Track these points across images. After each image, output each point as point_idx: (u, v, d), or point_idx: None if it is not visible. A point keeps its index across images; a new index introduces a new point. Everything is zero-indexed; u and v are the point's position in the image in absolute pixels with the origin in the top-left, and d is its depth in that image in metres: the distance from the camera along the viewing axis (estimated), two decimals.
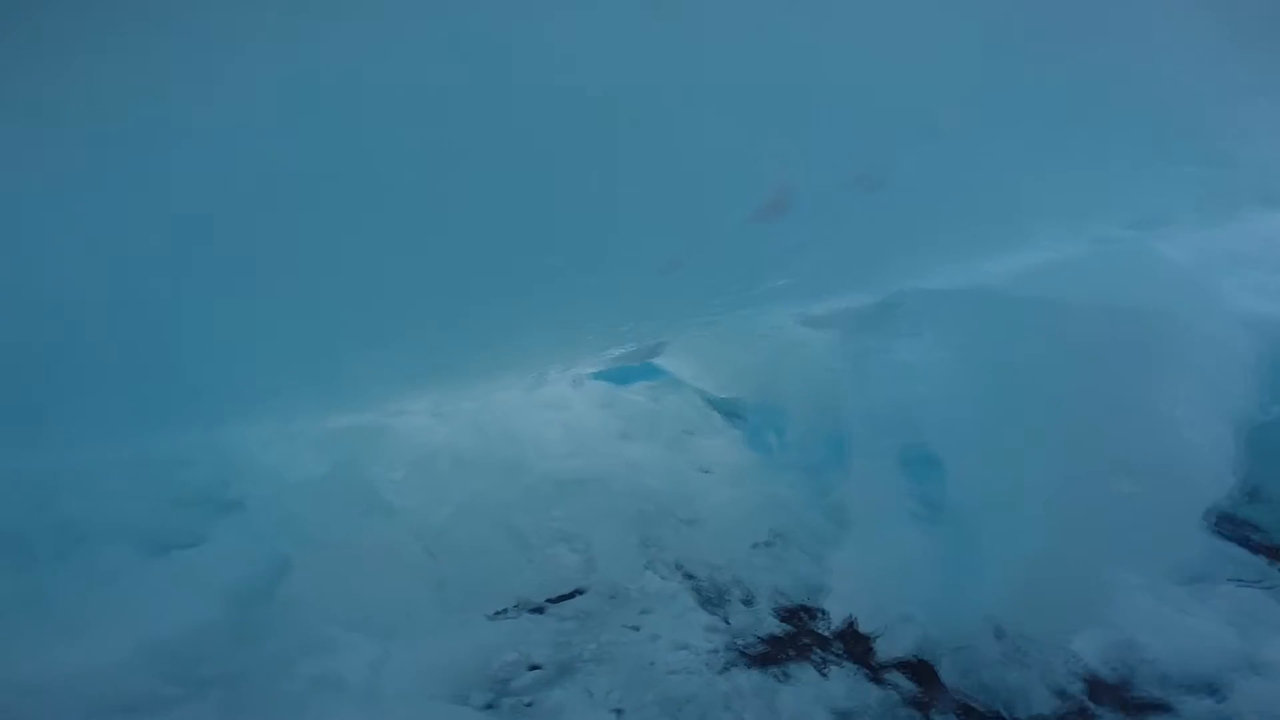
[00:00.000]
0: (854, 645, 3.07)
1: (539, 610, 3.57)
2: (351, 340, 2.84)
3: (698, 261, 2.34)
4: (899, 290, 2.87)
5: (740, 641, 3.19)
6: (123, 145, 1.74)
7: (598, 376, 5.83)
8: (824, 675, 2.90)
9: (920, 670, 2.88)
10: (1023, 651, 2.64)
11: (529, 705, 2.80)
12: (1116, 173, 2.28)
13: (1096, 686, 2.80)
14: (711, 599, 3.57)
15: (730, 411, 5.90)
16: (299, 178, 1.94)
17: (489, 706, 2.78)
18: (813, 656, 3.04)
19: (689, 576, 3.76)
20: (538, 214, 2.05)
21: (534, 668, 3.05)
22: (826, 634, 3.17)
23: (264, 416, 4.64)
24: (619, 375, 5.86)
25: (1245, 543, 4.18)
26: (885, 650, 2.94)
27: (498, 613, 3.55)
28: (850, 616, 3.00)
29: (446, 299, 2.65)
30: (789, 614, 3.38)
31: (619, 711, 2.73)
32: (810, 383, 3.70)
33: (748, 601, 3.51)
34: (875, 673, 2.90)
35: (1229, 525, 4.54)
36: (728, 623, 3.33)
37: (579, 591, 3.70)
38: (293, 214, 2.02)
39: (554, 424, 5.31)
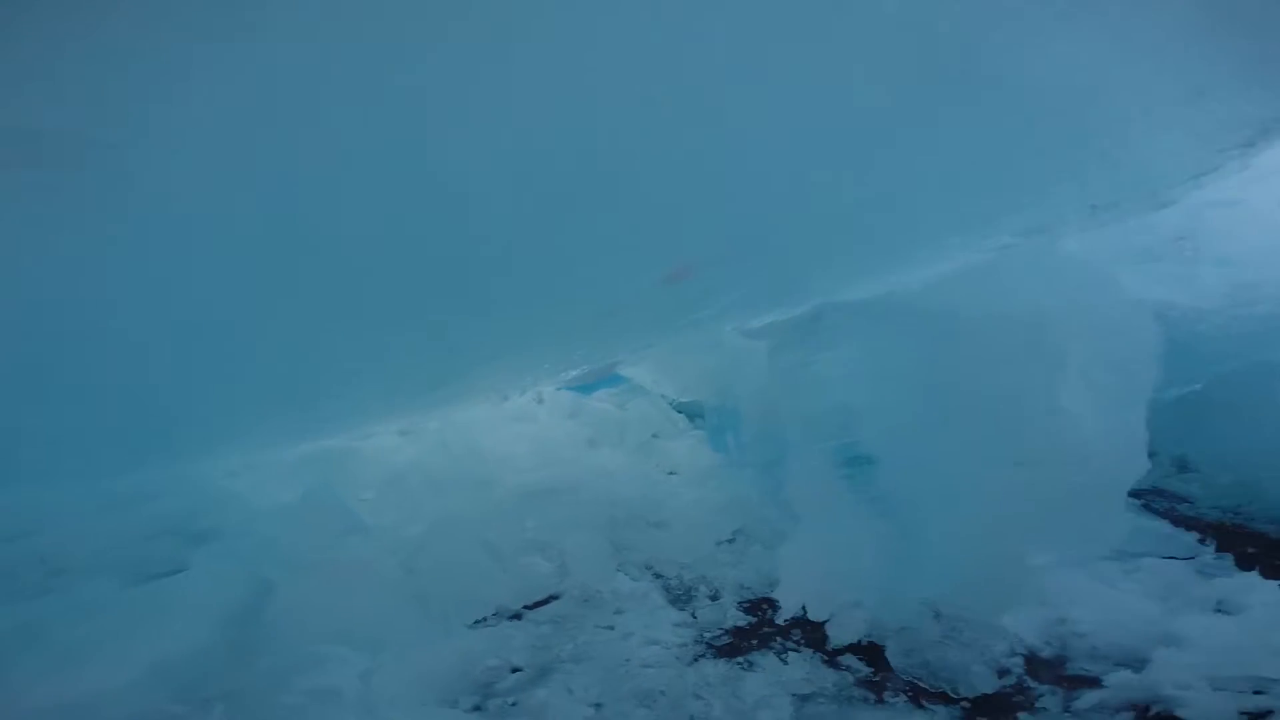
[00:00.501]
0: (811, 632, 3.37)
1: (517, 617, 3.82)
2: (316, 369, 2.92)
3: (642, 296, 2.60)
4: (823, 303, 3.17)
5: (708, 635, 3.48)
6: (86, 180, 1.72)
7: (562, 387, 6.07)
8: (784, 662, 3.20)
9: (871, 653, 3.19)
10: (959, 631, 2.95)
11: (514, 705, 3.05)
12: (1013, 181, 2.56)
13: (1034, 662, 3.09)
14: (680, 596, 3.87)
15: (693, 413, 6.20)
16: (264, 209, 1.96)
17: (476, 708, 3.03)
18: (773, 645, 3.34)
19: (658, 576, 4.05)
20: (492, 249, 2.26)
21: (516, 670, 3.31)
22: (785, 623, 3.48)
23: (231, 447, 4.76)
24: (583, 385, 6.11)
25: (1174, 517, 4.58)
26: (838, 635, 3.24)
27: (477, 621, 3.79)
28: (803, 605, 3.32)
29: (407, 328, 2.71)
30: (751, 606, 3.69)
31: (598, 705, 2.99)
32: (757, 387, 3.99)
33: (714, 597, 3.81)
34: (831, 657, 3.20)
35: (1160, 499, 4.96)
36: (695, 617, 3.63)
37: (554, 597, 3.96)
38: (258, 245, 2.05)
39: (521, 437, 5.56)
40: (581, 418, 5.94)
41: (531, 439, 5.50)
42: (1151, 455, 5.64)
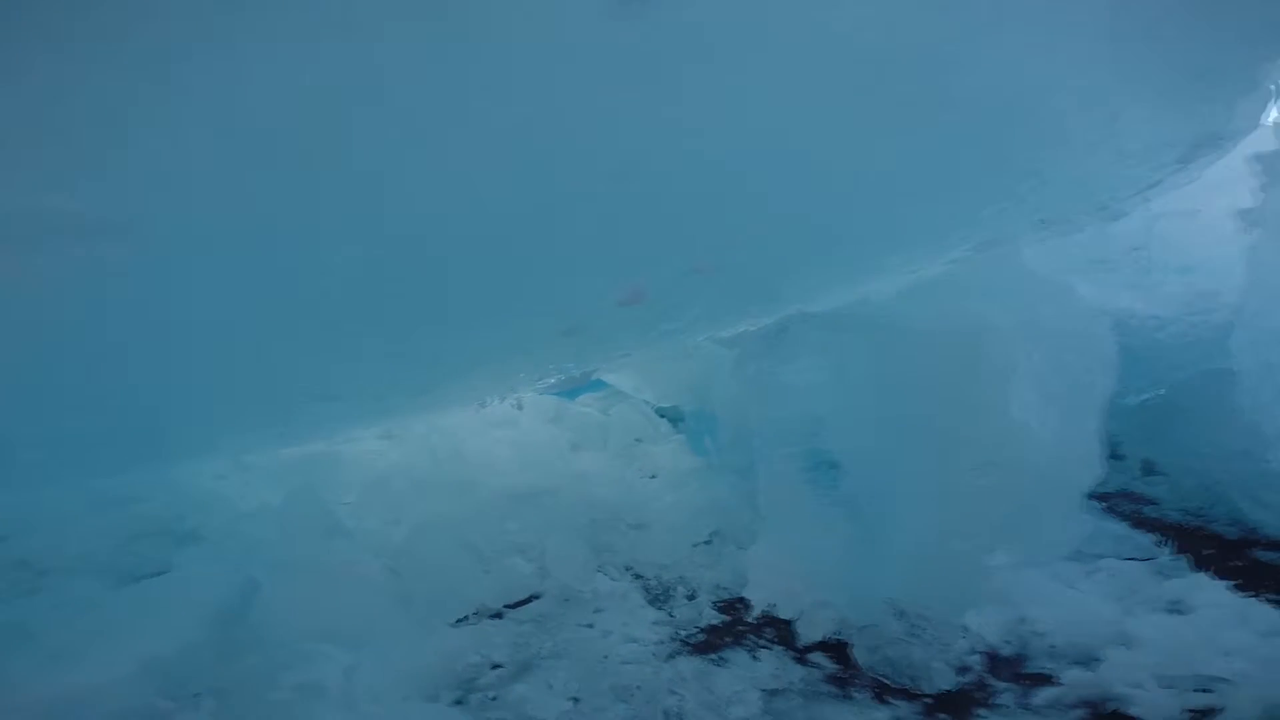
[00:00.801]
0: (781, 630, 3.53)
1: (498, 616, 3.96)
2: (300, 376, 3.03)
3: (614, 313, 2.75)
4: (788, 314, 3.35)
5: (683, 632, 3.63)
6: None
7: (545, 392, 6.19)
8: (755, 658, 3.35)
9: (838, 650, 3.35)
10: (921, 629, 3.10)
11: (494, 699, 3.19)
12: (969, 196, 2.72)
13: (994, 660, 3.26)
14: (658, 596, 4.02)
15: (675, 418, 6.36)
16: (250, 220, 2.03)
17: (458, 703, 3.17)
18: (745, 642, 3.49)
19: (638, 577, 4.20)
20: (468, 265, 2.39)
21: (496, 666, 3.44)
22: (757, 621, 3.64)
23: (216, 451, 4.85)
24: (566, 390, 6.24)
25: (1135, 519, 4.78)
26: (806, 633, 3.41)
27: (459, 620, 3.92)
28: (773, 604, 3.48)
29: (389, 338, 2.79)
30: (726, 605, 3.84)
31: (576, 700, 3.13)
32: (732, 394, 4.16)
33: (690, 596, 3.95)
34: (800, 654, 3.36)
35: (1126, 502, 5.16)
36: (672, 616, 3.78)
37: (535, 597, 4.10)
38: (245, 257, 2.14)
39: (503, 441, 5.67)
40: (564, 422, 6.07)
41: (514, 443, 5.62)
42: (1120, 459, 5.93)
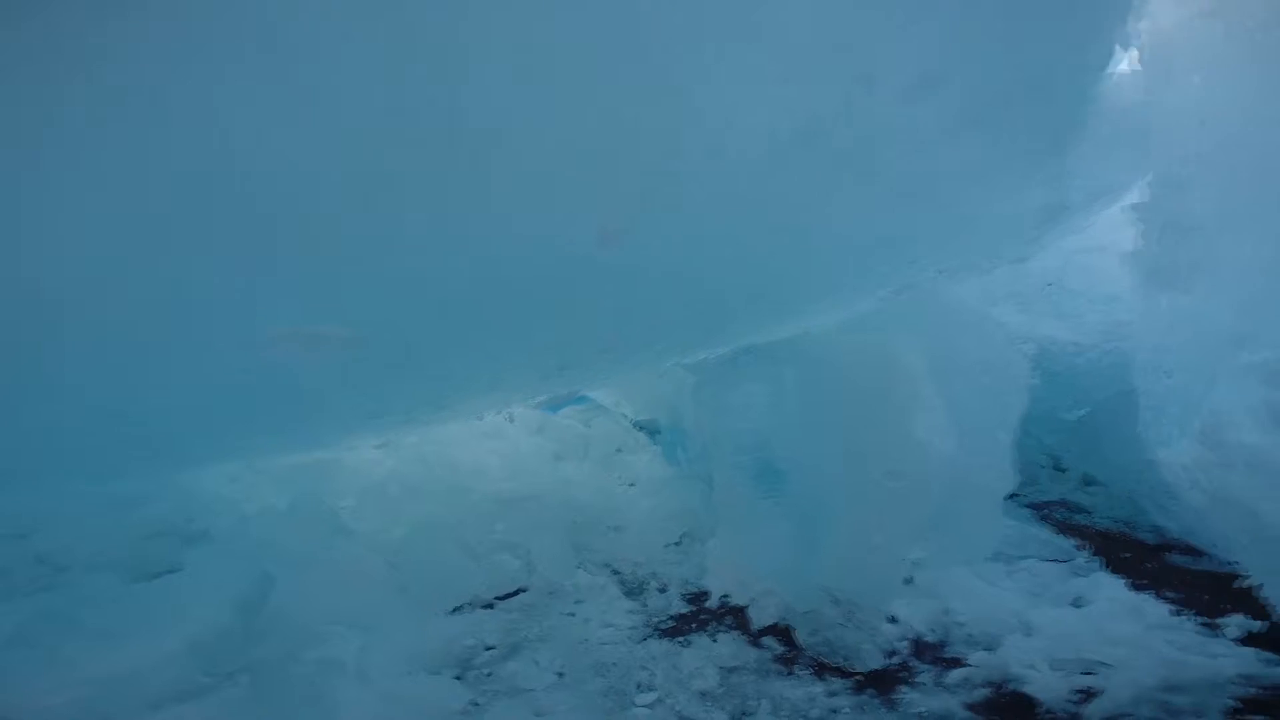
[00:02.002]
0: (738, 618, 4.16)
1: (489, 606, 4.54)
2: (302, 390, 3.16)
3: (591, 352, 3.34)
4: (740, 346, 4.01)
5: (655, 619, 4.25)
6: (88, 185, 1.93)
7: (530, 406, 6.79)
8: (715, 641, 3.97)
9: (785, 634, 3.96)
10: (851, 615, 3.74)
11: (489, 675, 3.78)
12: (889, 243, 3.32)
13: (919, 645, 3.88)
14: (633, 589, 4.63)
15: (651, 430, 6.99)
16: (263, 239, 2.22)
17: (457, 678, 3.75)
18: (707, 628, 4.12)
19: (615, 573, 4.82)
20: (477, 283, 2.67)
21: (489, 648, 4.03)
22: (718, 610, 4.28)
23: (221, 459, 5.32)
24: (549, 404, 6.85)
25: (1063, 526, 5.44)
26: (758, 619, 4.04)
27: (455, 609, 4.50)
28: (727, 592, 4.14)
29: (390, 358, 3.01)
30: (693, 597, 4.47)
31: (560, 674, 3.73)
32: (694, 411, 4.79)
33: (662, 589, 4.57)
34: (754, 638, 3.98)
35: (1062, 510, 5.83)
36: (645, 606, 4.39)
37: (522, 590, 4.69)
38: (251, 280, 2.33)
39: (492, 451, 6.22)
40: (548, 433, 6.68)
41: (502, 453, 6.20)
42: (1062, 471, 6.62)
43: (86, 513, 4.83)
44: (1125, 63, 3.65)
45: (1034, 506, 5.88)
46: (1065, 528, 5.40)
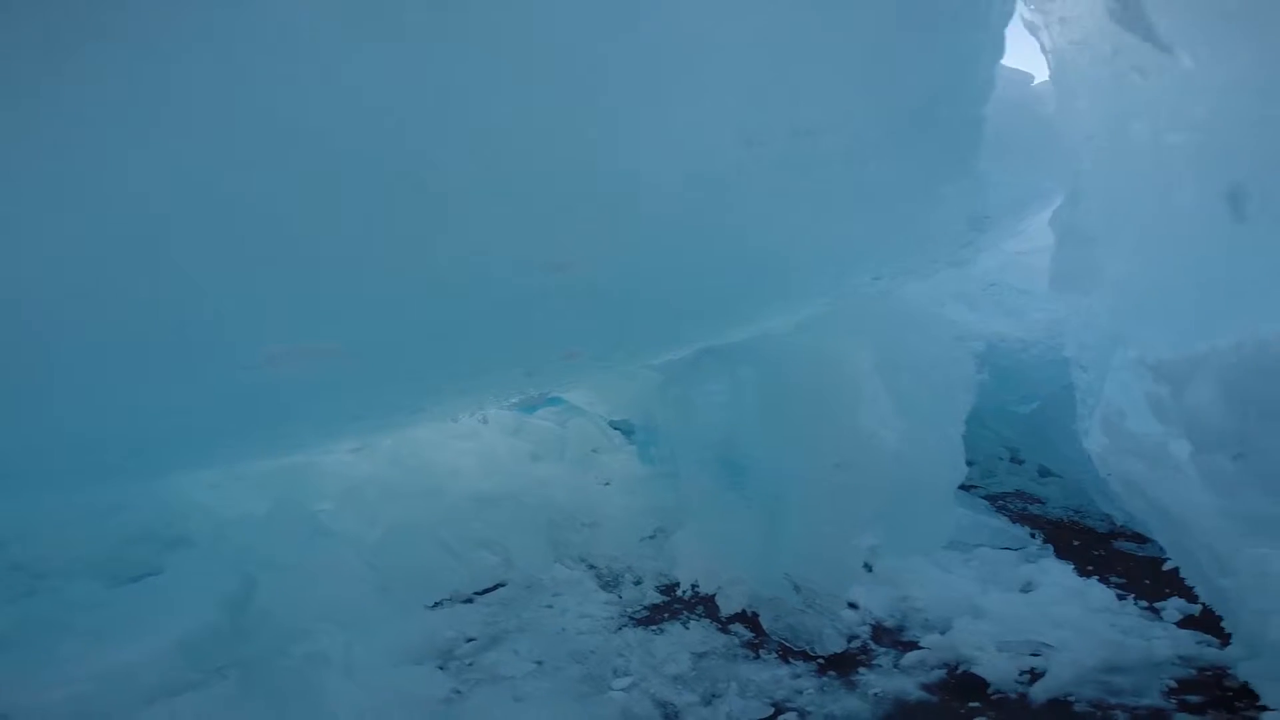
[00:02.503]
0: (709, 607, 4.42)
1: (469, 601, 4.75)
2: (283, 400, 3.30)
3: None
4: (701, 348, 4.29)
5: (630, 610, 4.49)
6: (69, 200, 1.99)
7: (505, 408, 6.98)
8: (686, 628, 4.22)
9: (752, 621, 4.23)
10: (813, 602, 4.01)
11: (470, 665, 3.99)
12: (838, 249, 3.59)
13: (878, 630, 4.17)
14: (609, 582, 4.86)
15: (626, 430, 7.24)
16: (244, 250, 2.33)
17: (440, 668, 3.95)
18: (680, 617, 4.37)
19: (591, 567, 5.05)
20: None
21: (470, 640, 4.23)
22: (689, 599, 4.54)
23: (199, 465, 5.41)
24: (524, 405, 7.05)
25: (1018, 515, 5.77)
26: (726, 606, 4.30)
27: (435, 604, 4.70)
28: (696, 581, 4.41)
29: (366, 362, 3.06)
30: (666, 588, 4.72)
31: (539, 663, 3.95)
32: (664, 409, 5.05)
33: (637, 582, 4.81)
34: (723, 625, 4.25)
35: (1018, 500, 6.17)
36: (620, 597, 4.63)
37: (501, 585, 4.90)
38: (230, 287, 2.41)
39: (468, 453, 6.41)
40: (524, 435, 6.88)
41: (478, 454, 6.39)
42: (1020, 463, 6.94)
43: (62, 521, 4.91)
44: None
45: (991, 497, 6.21)
46: (1020, 517, 5.73)
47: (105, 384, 2.65)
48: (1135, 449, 2.82)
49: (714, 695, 3.65)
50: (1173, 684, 3.57)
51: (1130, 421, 2.93)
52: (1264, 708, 3.12)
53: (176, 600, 4.47)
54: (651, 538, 5.36)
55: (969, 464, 6.45)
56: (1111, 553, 5.11)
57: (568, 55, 2.06)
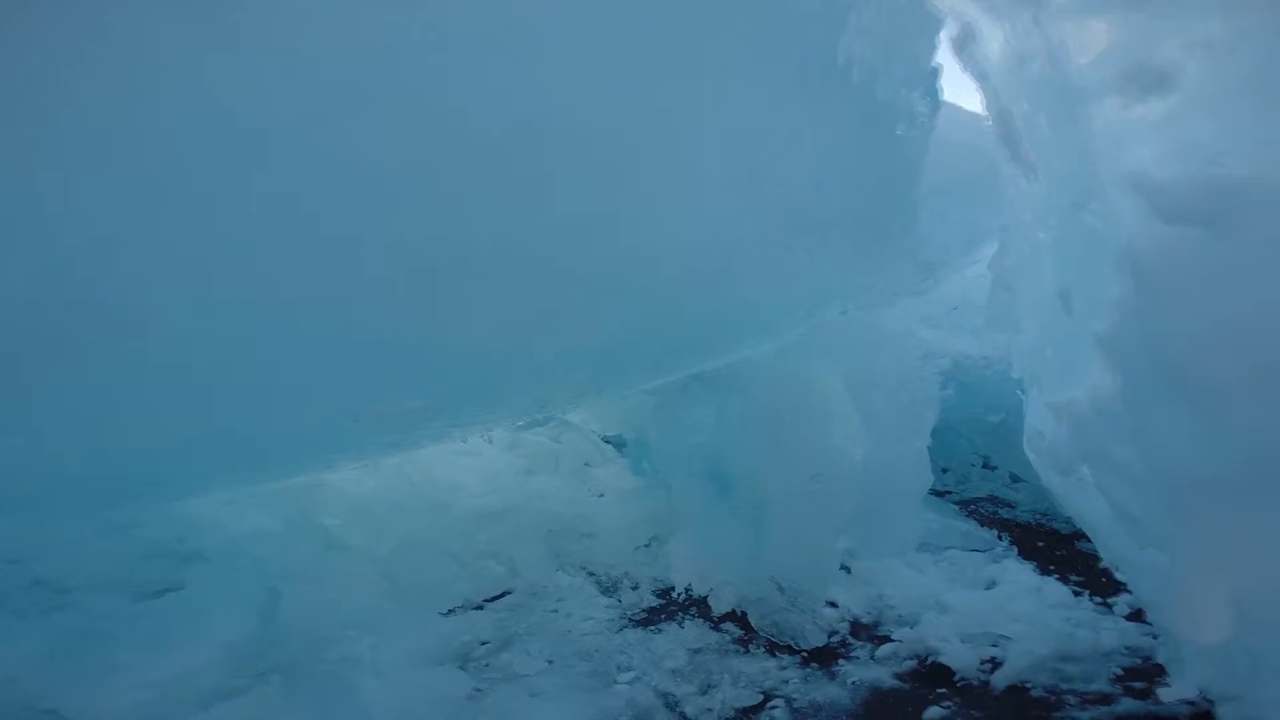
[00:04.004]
0: (702, 608, 4.97)
1: (479, 608, 5.23)
2: (288, 426, 3.50)
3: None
4: (691, 373, 4.81)
5: (629, 612, 5.02)
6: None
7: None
8: (682, 628, 4.76)
9: (742, 620, 4.78)
10: (795, 600, 4.57)
11: (487, 665, 4.50)
12: (827, 283, 4.20)
13: (856, 626, 4.72)
14: (609, 588, 5.38)
15: (619, 444, 7.81)
16: (230, 276, 2.56)
17: (460, 668, 4.46)
18: (676, 617, 4.92)
19: (591, 574, 5.57)
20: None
21: (484, 643, 4.72)
22: (684, 601, 5.10)
23: (215, 489, 5.83)
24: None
25: (987, 519, 6.35)
26: (717, 606, 4.85)
27: (448, 612, 5.17)
28: (689, 584, 5.01)
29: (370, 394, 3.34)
30: (662, 592, 5.26)
31: (550, 661, 4.47)
32: (657, 429, 5.64)
33: (634, 587, 5.33)
34: (715, 624, 4.80)
35: (989, 504, 6.76)
36: (620, 601, 5.14)
37: (508, 592, 5.39)
38: (235, 323, 2.66)
39: (469, 469, 6.89)
40: (520, 450, 7.41)
41: (478, 470, 6.91)
42: (992, 469, 7.56)
43: (78, 540, 5.22)
44: None
45: (964, 502, 6.79)
46: (990, 520, 6.31)
47: (125, 409, 2.84)
48: (1053, 464, 3.39)
49: (709, 686, 4.19)
50: (1119, 671, 4.08)
51: (1046, 440, 3.50)
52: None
53: (208, 612, 4.78)
54: (646, 546, 5.90)
55: (944, 471, 7.22)
56: (1073, 553, 5.66)
57: (591, 150, 2.64)
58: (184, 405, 2.90)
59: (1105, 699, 3.90)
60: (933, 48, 3.53)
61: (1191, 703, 3.63)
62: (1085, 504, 3.27)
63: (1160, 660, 3.81)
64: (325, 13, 2.32)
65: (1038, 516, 6.43)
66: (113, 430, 2.92)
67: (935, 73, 3.62)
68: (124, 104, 2.27)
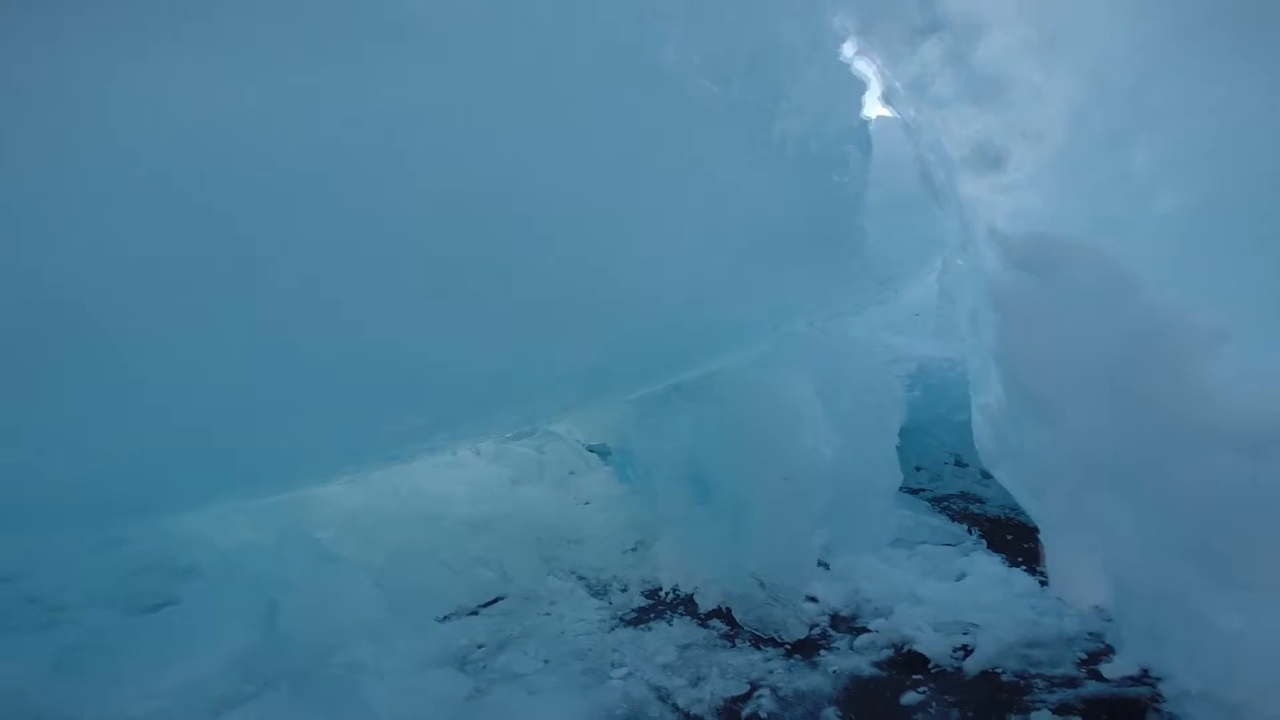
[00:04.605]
0: (689, 606, 5.26)
1: (474, 613, 5.45)
2: (276, 440, 3.55)
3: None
4: (670, 384, 5.07)
5: (620, 613, 5.28)
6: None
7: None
8: (671, 625, 5.04)
9: (727, 616, 5.07)
10: (777, 596, 4.87)
11: (485, 667, 4.74)
12: (793, 300, 4.56)
13: (835, 618, 5.02)
14: (599, 590, 5.64)
15: (603, 452, 8.10)
16: (227, 295, 2.67)
17: (460, 669, 4.72)
18: (664, 616, 5.19)
19: (581, 578, 5.83)
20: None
21: (481, 646, 4.96)
22: (671, 601, 5.39)
23: (208, 503, 6.01)
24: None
25: (958, 514, 6.70)
26: (704, 603, 5.14)
27: (444, 618, 5.40)
28: (676, 582, 5.31)
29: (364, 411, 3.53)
30: (651, 592, 5.53)
31: (546, 661, 4.72)
32: (640, 437, 5.94)
33: (624, 589, 5.59)
34: (702, 620, 5.08)
35: (960, 500, 7.10)
36: (610, 603, 5.41)
37: (501, 598, 5.62)
38: (211, 331, 2.74)
39: (458, 481, 7.14)
40: (505, 460, 7.66)
41: (466, 481, 7.15)
42: (963, 466, 7.91)
43: (66, 556, 5.19)
44: None
45: (937, 499, 7.14)
46: (961, 516, 6.65)
47: (109, 425, 2.89)
48: (984, 459, 3.77)
49: (699, 678, 4.47)
50: (1083, 655, 4.38)
51: (979, 437, 3.83)
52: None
53: (208, 624, 4.93)
54: (633, 549, 6.17)
55: (917, 469, 7.57)
56: (1039, 545, 6.00)
57: (583, 200, 2.97)
58: (179, 423, 3.00)
59: (1071, 681, 4.21)
60: (859, 106, 4.19)
61: (1151, 684, 3.94)
62: (1014, 493, 3.66)
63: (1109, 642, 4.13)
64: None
65: (1006, 511, 6.75)
66: (105, 447, 2.97)
67: (864, 125, 4.24)
68: (129, 124, 2.44)
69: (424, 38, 2.80)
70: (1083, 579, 2.76)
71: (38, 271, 2.42)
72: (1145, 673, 3.84)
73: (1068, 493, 2.80)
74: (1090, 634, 4.61)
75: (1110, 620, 4.30)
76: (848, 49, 3.97)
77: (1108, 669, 3.92)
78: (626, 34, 3.22)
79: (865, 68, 4.05)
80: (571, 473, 7.61)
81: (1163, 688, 3.33)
